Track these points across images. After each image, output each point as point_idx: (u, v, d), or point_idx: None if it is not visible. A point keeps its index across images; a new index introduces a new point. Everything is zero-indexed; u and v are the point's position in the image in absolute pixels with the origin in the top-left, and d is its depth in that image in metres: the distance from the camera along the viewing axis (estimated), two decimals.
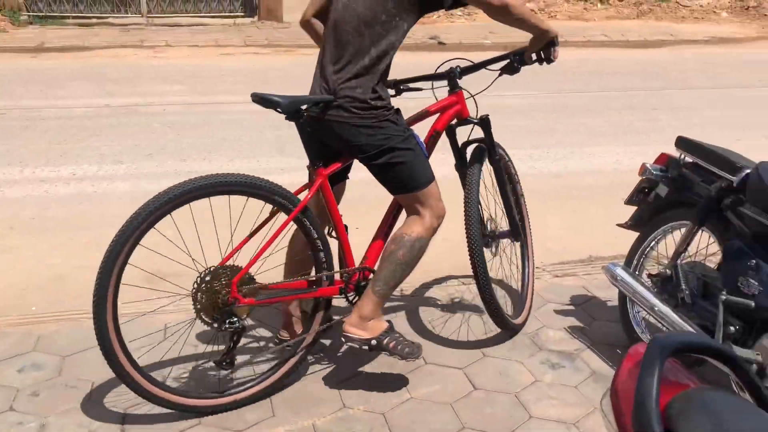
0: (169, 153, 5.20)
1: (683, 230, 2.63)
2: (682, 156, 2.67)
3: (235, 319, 2.29)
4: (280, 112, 2.29)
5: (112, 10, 10.49)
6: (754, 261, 2.28)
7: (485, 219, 2.85)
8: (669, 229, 2.78)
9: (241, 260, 2.34)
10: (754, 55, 9.96)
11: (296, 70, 8.05)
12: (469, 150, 2.85)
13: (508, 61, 2.71)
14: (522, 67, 2.71)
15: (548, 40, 2.52)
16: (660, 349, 1.05)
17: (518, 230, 2.98)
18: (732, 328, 2.33)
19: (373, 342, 2.42)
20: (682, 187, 2.67)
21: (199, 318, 2.30)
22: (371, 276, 2.53)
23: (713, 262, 2.71)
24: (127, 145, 5.34)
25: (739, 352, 2.24)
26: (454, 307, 3.16)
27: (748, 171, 2.37)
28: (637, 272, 2.86)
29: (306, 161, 2.48)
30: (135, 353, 2.31)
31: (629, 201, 2.91)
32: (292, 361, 2.48)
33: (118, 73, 7.57)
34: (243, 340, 2.60)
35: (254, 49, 9.04)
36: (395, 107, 2.45)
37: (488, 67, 2.73)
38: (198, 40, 9.30)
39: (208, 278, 2.27)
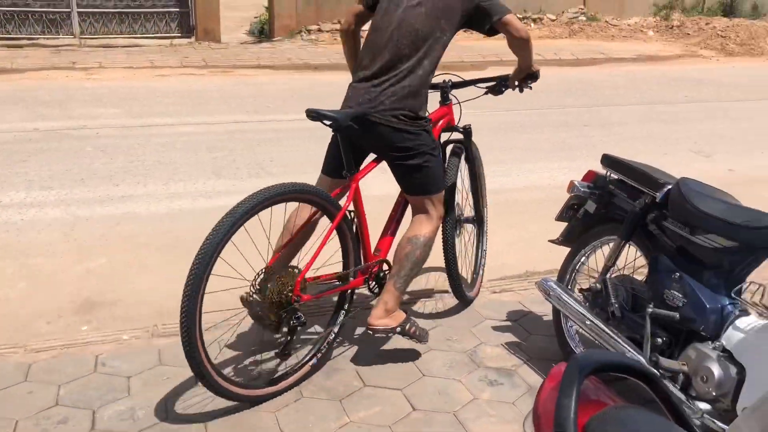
0: (102, 177, 5.06)
1: (612, 245, 2.71)
2: (608, 173, 2.75)
3: (300, 314, 2.49)
4: (329, 125, 2.55)
5: (43, 30, 10.23)
6: (678, 274, 2.36)
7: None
8: (598, 244, 2.85)
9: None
10: (678, 72, 10.38)
11: (233, 90, 8.00)
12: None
13: (495, 83, 3.14)
14: (505, 90, 3.16)
15: (531, 72, 2.96)
16: (578, 369, 1.06)
17: (482, 218, 3.41)
18: (659, 340, 2.40)
19: (398, 329, 2.73)
20: (609, 203, 2.74)
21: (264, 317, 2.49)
22: (385, 267, 2.86)
23: (642, 275, 2.79)
24: (57, 170, 5.17)
25: (666, 363, 2.30)
26: None
27: (670, 186, 2.45)
28: (569, 287, 2.92)
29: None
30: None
31: (560, 217, 2.98)
32: (324, 349, 2.74)
33: (49, 95, 7.36)
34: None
35: (190, 70, 8.93)
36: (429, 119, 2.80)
37: (477, 85, 3.14)
38: (133, 62, 9.13)
39: (269, 282, 2.45)
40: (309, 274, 2.54)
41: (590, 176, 2.86)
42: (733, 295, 2.29)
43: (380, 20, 2.68)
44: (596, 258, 2.89)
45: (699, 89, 9.13)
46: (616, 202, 2.71)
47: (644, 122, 7.22)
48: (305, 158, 5.12)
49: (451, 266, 3.13)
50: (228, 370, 2.67)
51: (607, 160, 2.76)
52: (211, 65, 9.20)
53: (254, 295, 2.45)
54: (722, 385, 2.18)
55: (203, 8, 10.80)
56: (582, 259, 2.91)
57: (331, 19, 11.68)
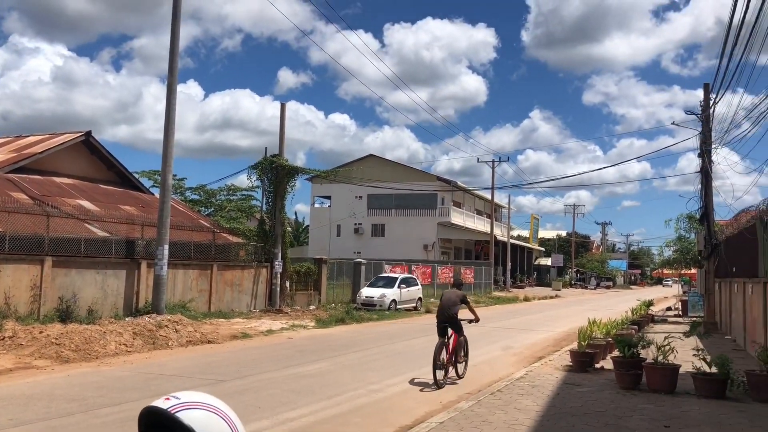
0: None
1: None
2: None
3: (447, 367, 11.66)
4: (444, 321, 11.77)
5: None
6: None
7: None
8: None
9: None
10: (8, 389, 9.68)
11: None
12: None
13: (470, 321, 12.16)
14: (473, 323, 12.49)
15: (477, 318, 12.44)
16: None
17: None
18: None
19: (463, 376, 11.97)
20: None
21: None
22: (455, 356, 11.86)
23: None
24: None
25: None
26: None
27: None
28: None
29: None
30: None
31: None
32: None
33: None
34: None
35: None
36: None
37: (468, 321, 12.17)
38: None
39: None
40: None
41: None
42: None
43: (442, 301, 12.01)
44: None
45: (29, 408, 8.59)
46: None
47: None
48: None
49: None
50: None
51: None
52: None
53: (443, 351, 11.38)
54: None
55: None
56: None
57: None
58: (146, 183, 30.31)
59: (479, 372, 12.76)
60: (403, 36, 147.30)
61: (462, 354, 11.94)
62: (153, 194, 26.94)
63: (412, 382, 11.45)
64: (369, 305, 27.31)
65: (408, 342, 17.56)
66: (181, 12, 18.88)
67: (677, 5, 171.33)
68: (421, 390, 10.76)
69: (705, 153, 23.61)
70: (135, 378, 11.05)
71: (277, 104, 31.60)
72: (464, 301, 11.89)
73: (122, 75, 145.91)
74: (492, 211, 57.08)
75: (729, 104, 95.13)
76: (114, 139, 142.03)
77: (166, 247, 18.40)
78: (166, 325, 15.98)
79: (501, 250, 59.48)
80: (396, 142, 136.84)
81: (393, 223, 59.44)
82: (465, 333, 11.91)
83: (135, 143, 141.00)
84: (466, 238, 62.64)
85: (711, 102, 23.64)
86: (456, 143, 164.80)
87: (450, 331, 11.62)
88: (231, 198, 38.83)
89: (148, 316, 17.08)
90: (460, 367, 11.91)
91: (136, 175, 28.77)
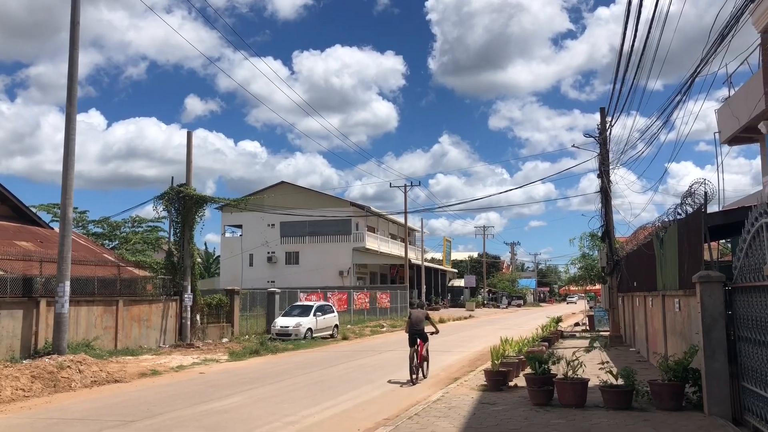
0: None
1: None
2: None
3: (417, 363, 15.00)
4: (415, 334, 15.16)
5: None
6: None
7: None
8: None
9: None
10: None
11: None
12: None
13: (433, 332, 15.91)
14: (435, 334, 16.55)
15: (437, 330, 16.18)
16: None
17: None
18: None
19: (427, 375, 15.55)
20: None
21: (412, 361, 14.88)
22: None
23: None
24: None
25: None
26: None
27: None
28: None
29: None
30: None
31: None
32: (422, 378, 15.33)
33: None
34: None
35: None
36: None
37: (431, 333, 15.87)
38: None
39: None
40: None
41: None
42: None
43: (410, 318, 15.43)
44: None
45: None
46: None
47: None
48: None
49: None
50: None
51: None
52: None
53: (415, 357, 14.73)
54: None
55: None
56: None
57: None
58: (45, 217, 28.81)
59: (397, 396, 12.73)
60: (312, 63, 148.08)
61: (425, 360, 15.36)
62: (52, 228, 25.67)
63: (329, 409, 11.28)
64: (284, 335, 26.85)
65: (324, 371, 17.34)
66: (79, 39, 18.18)
67: (574, 33, 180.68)
68: (340, 418, 10.61)
69: (604, 173, 24.82)
70: (34, 425, 10.35)
71: (185, 132, 30.85)
72: (427, 318, 15.40)
73: (17, 104, 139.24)
74: (406, 235, 57.67)
75: (624, 126, 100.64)
76: (8, 171, 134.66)
77: (68, 283, 17.47)
78: (69, 366, 15.11)
79: (416, 274, 60.09)
80: (309, 169, 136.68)
81: (307, 250, 59.03)
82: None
83: (32, 175, 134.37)
84: (381, 262, 62.95)
85: (607, 125, 24.95)
86: (369, 169, 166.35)
87: (419, 341, 14.89)
88: (137, 230, 37.43)
89: (49, 357, 16.10)
90: (425, 368, 15.41)
91: (34, 209, 27.35)
